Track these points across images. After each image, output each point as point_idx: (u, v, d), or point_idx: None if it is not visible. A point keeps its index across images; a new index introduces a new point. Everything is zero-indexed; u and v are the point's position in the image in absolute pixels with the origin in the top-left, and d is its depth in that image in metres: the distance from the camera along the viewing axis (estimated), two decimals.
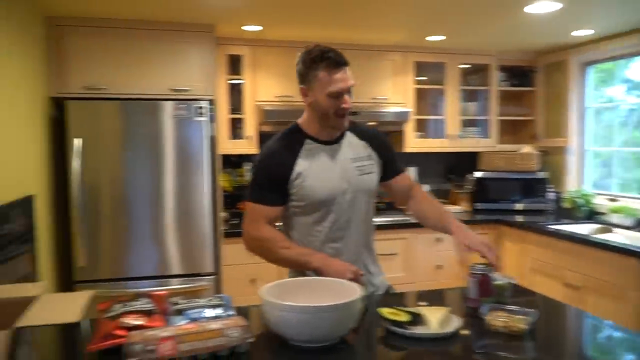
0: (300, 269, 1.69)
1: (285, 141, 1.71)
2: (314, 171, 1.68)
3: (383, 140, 1.87)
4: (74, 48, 2.93)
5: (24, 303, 1.11)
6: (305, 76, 1.65)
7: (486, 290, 1.54)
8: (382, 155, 1.83)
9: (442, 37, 3.62)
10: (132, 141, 2.95)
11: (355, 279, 1.53)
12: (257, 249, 1.73)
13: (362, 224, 1.77)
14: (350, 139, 1.78)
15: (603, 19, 3.19)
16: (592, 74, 3.96)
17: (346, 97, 1.63)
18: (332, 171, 1.70)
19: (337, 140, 1.75)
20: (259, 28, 3.28)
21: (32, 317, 1.03)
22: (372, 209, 1.83)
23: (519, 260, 3.59)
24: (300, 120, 1.76)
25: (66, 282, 2.94)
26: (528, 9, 2.89)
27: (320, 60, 1.59)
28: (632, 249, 2.77)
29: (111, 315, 1.28)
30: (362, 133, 1.81)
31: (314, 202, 1.68)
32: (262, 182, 1.69)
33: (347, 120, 1.69)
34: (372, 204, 1.82)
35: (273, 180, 1.68)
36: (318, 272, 1.61)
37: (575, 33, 3.51)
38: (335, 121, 1.67)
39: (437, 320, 1.38)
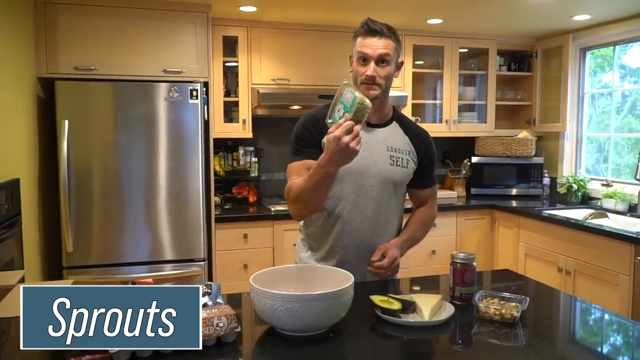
0: (324, 183, 1.54)
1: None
2: None
3: (428, 146, 1.83)
4: (64, 27, 2.85)
5: (1, 292, 1.08)
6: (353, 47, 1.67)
7: (462, 280, 1.52)
8: (421, 160, 1.80)
9: (440, 21, 3.56)
10: (124, 123, 2.89)
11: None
12: (291, 203, 1.65)
13: (381, 212, 1.72)
14: (393, 129, 1.77)
15: (602, 3, 3.13)
16: (589, 60, 3.92)
17: (372, 64, 1.60)
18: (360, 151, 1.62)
19: (379, 125, 1.74)
20: (254, 9, 3.20)
21: (8, 308, 0.99)
22: (399, 201, 1.78)
23: (513, 245, 3.58)
24: None
25: (54, 267, 2.90)
26: None
27: (360, 28, 1.64)
28: (625, 234, 2.77)
29: None
30: (409, 129, 1.80)
31: None
32: (303, 141, 1.68)
33: (374, 92, 1.62)
34: (399, 195, 1.78)
35: (313, 139, 1.66)
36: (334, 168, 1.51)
37: (575, 18, 3.45)
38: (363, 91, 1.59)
39: (429, 308, 1.36)
